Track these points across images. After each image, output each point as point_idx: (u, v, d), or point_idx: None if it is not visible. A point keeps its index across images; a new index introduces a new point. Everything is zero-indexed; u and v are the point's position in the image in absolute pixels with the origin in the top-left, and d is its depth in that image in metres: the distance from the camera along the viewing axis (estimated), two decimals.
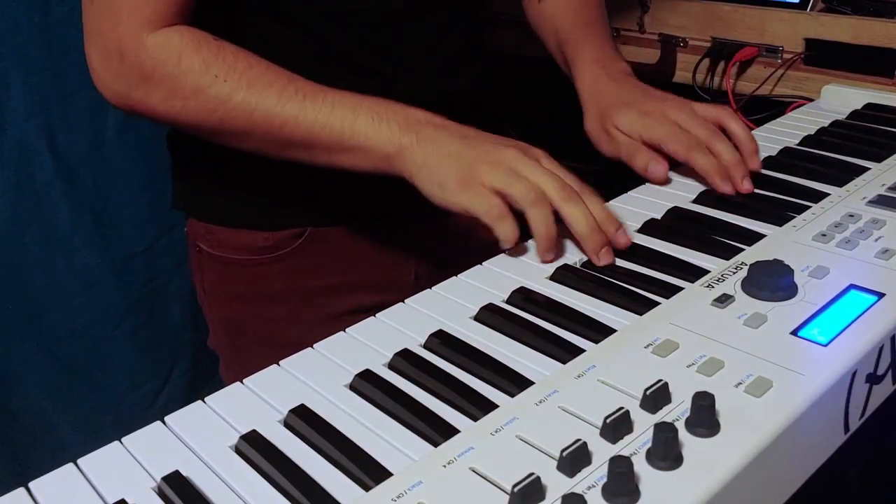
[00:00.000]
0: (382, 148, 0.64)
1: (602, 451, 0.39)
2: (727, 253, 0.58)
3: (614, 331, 0.50)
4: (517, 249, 0.61)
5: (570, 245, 0.62)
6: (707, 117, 0.73)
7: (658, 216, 0.66)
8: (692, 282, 0.54)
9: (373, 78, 0.75)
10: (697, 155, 0.70)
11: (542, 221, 0.59)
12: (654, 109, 0.73)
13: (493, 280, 0.58)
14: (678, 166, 0.75)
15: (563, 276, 0.58)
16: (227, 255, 0.83)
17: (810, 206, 0.64)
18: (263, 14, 0.73)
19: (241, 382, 0.49)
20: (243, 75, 0.64)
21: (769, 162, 0.75)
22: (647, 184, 0.72)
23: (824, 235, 0.59)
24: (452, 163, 0.61)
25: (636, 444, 0.40)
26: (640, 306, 0.53)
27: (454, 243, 0.80)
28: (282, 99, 0.64)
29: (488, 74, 0.86)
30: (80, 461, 0.43)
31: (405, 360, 0.49)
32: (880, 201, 0.63)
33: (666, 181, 0.71)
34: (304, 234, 0.81)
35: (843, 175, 0.69)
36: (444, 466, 0.40)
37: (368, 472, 0.41)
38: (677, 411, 0.42)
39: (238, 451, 0.43)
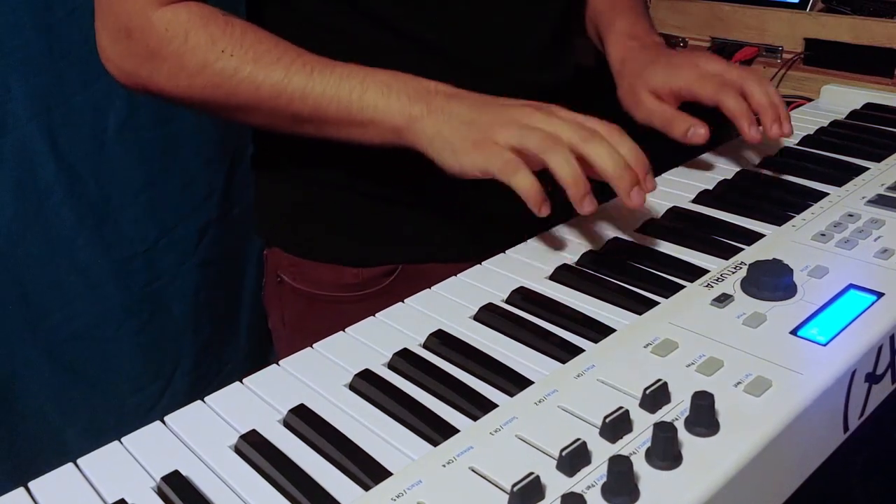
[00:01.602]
0: (392, 120, 0.62)
1: (601, 451, 0.39)
2: (726, 252, 0.58)
3: (614, 330, 0.50)
4: (519, 249, 0.61)
5: (569, 245, 0.62)
6: (738, 66, 0.71)
7: (658, 216, 0.66)
8: (691, 281, 0.54)
9: (458, 70, 0.70)
10: (727, 96, 0.68)
11: (563, 164, 0.55)
12: (683, 61, 0.72)
13: (492, 280, 0.58)
14: (675, 165, 0.75)
15: (563, 275, 0.58)
16: (312, 291, 0.79)
17: (810, 206, 0.64)
18: (330, 8, 0.70)
19: (241, 382, 0.49)
20: (250, 50, 0.63)
21: (769, 162, 0.75)
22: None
23: (823, 235, 0.59)
24: (465, 128, 0.59)
25: (636, 443, 0.40)
26: (640, 306, 0.53)
27: None
28: (289, 73, 0.62)
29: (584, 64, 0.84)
30: (79, 461, 0.43)
31: (405, 360, 0.49)
32: (879, 201, 0.63)
33: (706, 141, 0.69)
34: (396, 271, 0.77)
35: (842, 175, 0.69)
36: (444, 466, 0.40)
37: (368, 471, 0.41)
38: (677, 411, 0.42)
39: (238, 450, 0.43)
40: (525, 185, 0.56)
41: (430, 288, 0.58)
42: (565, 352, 0.49)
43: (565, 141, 0.56)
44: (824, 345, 0.46)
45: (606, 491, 0.37)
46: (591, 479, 0.38)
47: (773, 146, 0.78)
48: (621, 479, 0.36)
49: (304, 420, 0.45)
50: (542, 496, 0.37)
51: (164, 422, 0.46)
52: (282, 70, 0.63)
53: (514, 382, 0.47)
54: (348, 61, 0.65)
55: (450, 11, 0.71)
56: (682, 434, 0.40)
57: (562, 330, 0.52)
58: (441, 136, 0.60)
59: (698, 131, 0.67)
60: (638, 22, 0.80)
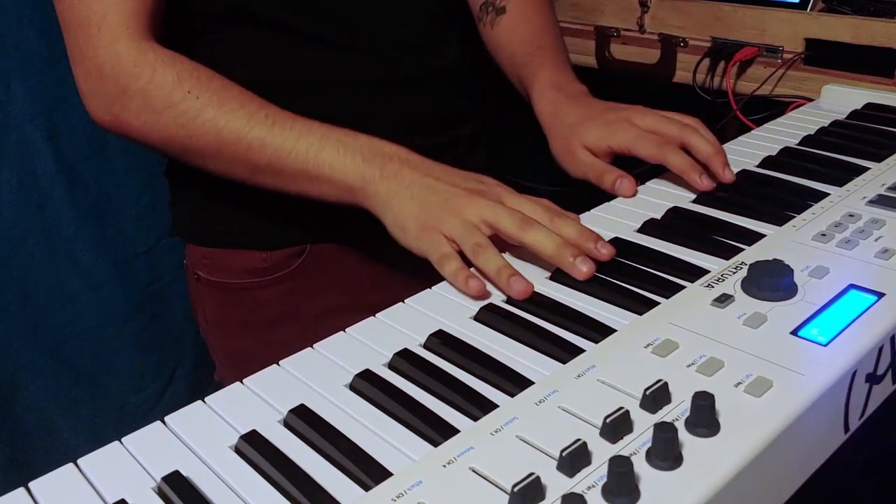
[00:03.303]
0: (346, 180, 0.64)
1: (602, 451, 0.39)
2: (727, 253, 0.58)
3: (614, 331, 0.50)
4: (521, 249, 0.61)
5: None
6: (674, 119, 0.72)
7: (658, 216, 0.66)
8: (692, 281, 0.54)
9: (347, 57, 0.74)
10: (670, 154, 0.69)
11: (487, 262, 0.57)
12: (617, 118, 0.72)
13: None
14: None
15: (564, 275, 0.58)
16: (226, 280, 0.81)
17: (810, 206, 0.64)
18: (223, 18, 0.72)
19: (241, 382, 0.49)
20: (215, 94, 0.64)
21: (769, 162, 0.75)
22: (647, 183, 0.72)
23: (824, 235, 0.59)
24: (415, 207, 0.61)
25: (636, 443, 0.40)
26: (640, 306, 0.53)
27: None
28: (251, 122, 0.64)
29: (473, 51, 0.85)
30: (80, 461, 0.43)
31: (405, 360, 0.49)
32: (880, 201, 0.63)
33: (634, 195, 0.70)
34: (305, 252, 0.79)
35: (843, 175, 0.69)
36: (444, 466, 0.40)
37: (368, 472, 0.41)
38: (677, 411, 0.42)
39: (238, 451, 0.43)
40: (449, 272, 0.58)
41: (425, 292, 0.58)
42: (566, 352, 0.49)
43: (506, 234, 0.59)
44: (825, 345, 0.46)
45: (607, 491, 0.37)
46: (591, 480, 0.38)
47: (773, 146, 0.78)
48: (622, 480, 0.36)
49: (304, 420, 0.45)
50: (542, 497, 0.37)
51: (164, 422, 0.46)
52: (244, 118, 0.64)
53: (514, 383, 0.46)
54: (239, 64, 0.67)
55: (327, 1, 0.73)
56: (683, 434, 0.40)
57: (562, 330, 0.52)
58: (391, 209, 0.62)
59: (623, 183, 0.70)
60: (561, 72, 0.81)
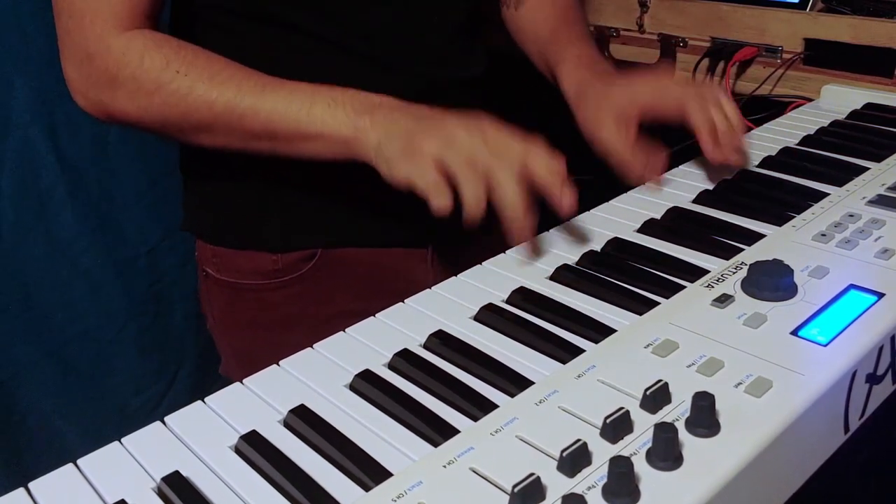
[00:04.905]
0: (339, 132, 0.64)
1: (602, 452, 0.39)
2: (727, 253, 0.58)
3: (614, 331, 0.50)
4: (520, 249, 0.61)
5: (569, 245, 0.62)
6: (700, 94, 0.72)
7: (658, 216, 0.66)
8: (692, 282, 0.54)
9: (365, 66, 0.74)
10: (694, 107, 0.68)
11: (471, 196, 0.57)
12: (640, 80, 0.72)
13: (493, 280, 0.58)
14: (676, 165, 0.75)
15: (563, 275, 0.58)
16: (235, 280, 0.81)
17: (810, 206, 0.64)
18: (237, 14, 0.72)
19: (241, 383, 0.49)
20: (204, 70, 0.65)
21: (769, 162, 0.75)
22: (646, 183, 0.72)
23: (824, 235, 0.59)
24: (399, 140, 0.61)
25: (636, 444, 0.40)
26: (640, 306, 0.53)
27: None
28: (241, 91, 0.64)
29: (492, 62, 0.84)
30: (79, 461, 0.43)
31: (405, 360, 0.49)
32: (880, 201, 0.63)
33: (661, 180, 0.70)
34: (315, 256, 0.79)
35: (842, 175, 0.69)
36: (444, 467, 0.40)
37: (368, 472, 0.41)
38: (677, 411, 0.42)
39: (238, 451, 0.44)
40: (439, 203, 0.57)
41: (434, 288, 0.58)
42: (566, 352, 0.49)
43: (479, 167, 0.57)
44: (825, 345, 0.46)
45: (607, 492, 0.37)
46: (591, 480, 0.38)
47: (773, 146, 0.78)
48: (622, 480, 0.36)
49: (304, 420, 0.45)
50: (542, 497, 0.37)
51: (164, 422, 0.46)
52: (234, 88, 0.65)
53: (514, 383, 0.47)
54: (259, 66, 0.67)
55: (351, 9, 0.73)
56: (683, 435, 0.40)
57: (562, 330, 0.52)
58: (380, 147, 0.62)
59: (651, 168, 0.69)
60: (586, 52, 0.81)
